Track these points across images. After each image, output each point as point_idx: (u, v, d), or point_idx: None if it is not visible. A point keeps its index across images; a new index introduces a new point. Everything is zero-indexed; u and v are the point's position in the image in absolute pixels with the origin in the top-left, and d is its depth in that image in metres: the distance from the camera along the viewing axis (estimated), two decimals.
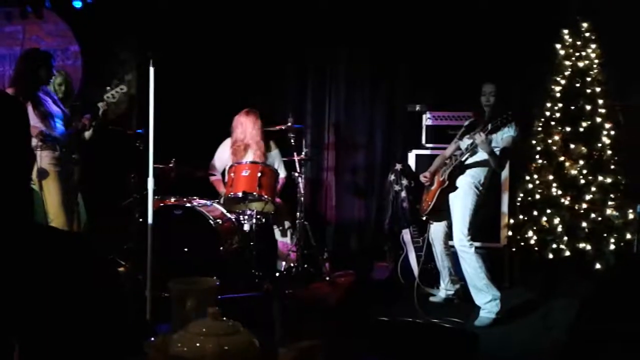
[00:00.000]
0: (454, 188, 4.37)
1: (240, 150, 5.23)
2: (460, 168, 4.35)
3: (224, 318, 1.27)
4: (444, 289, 4.69)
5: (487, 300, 4.20)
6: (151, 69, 3.44)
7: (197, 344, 1.20)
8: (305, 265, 5.08)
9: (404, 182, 5.32)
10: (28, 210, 1.38)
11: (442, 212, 4.47)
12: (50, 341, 1.20)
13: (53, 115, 4.56)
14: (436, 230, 4.61)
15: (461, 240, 4.23)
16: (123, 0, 6.03)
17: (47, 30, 6.31)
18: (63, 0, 6.16)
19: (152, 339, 1.26)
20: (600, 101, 4.95)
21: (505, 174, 5.05)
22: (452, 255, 4.57)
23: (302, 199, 5.19)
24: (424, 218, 4.68)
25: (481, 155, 4.25)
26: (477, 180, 4.31)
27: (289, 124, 5.18)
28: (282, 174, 5.33)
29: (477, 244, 4.39)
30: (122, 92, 4.79)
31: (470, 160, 4.34)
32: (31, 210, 1.35)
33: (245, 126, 5.22)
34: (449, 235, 4.52)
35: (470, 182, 4.32)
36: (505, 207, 5.17)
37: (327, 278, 5.11)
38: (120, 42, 6.23)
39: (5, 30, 6.36)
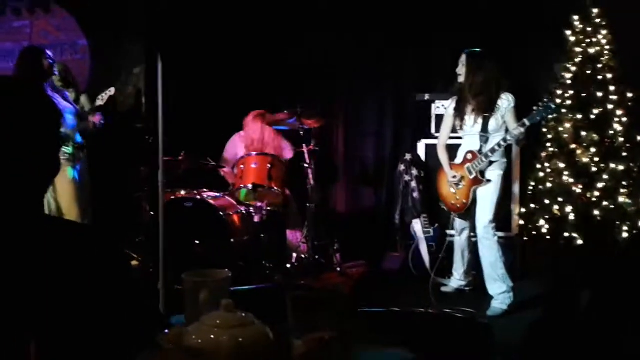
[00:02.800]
0: (486, 182, 4.29)
1: (249, 141, 5.28)
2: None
3: (237, 310, 1.27)
4: (457, 279, 4.68)
5: (502, 291, 4.20)
6: (159, 63, 3.44)
7: (211, 336, 1.20)
8: (316, 257, 5.08)
9: (414, 172, 5.31)
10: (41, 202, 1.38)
11: (472, 207, 4.39)
12: (65, 334, 1.20)
13: (62, 111, 4.55)
14: (462, 223, 4.55)
15: (486, 228, 4.21)
16: None
17: (55, 25, 6.32)
18: None
19: (166, 331, 1.25)
20: (612, 88, 4.90)
21: (516, 162, 5.03)
22: (473, 245, 4.54)
23: (312, 190, 5.18)
24: (455, 216, 4.53)
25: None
26: (503, 171, 4.34)
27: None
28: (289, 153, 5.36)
29: (500, 233, 4.47)
30: (110, 94, 5.03)
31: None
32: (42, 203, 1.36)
33: (255, 131, 5.26)
34: (472, 227, 4.49)
35: (499, 175, 4.31)
36: (516, 196, 5.14)
37: (338, 269, 5.12)
38: (129, 35, 6.22)
39: (13, 25, 6.38)
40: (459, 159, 4.43)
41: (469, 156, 4.32)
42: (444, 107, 5.46)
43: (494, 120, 4.23)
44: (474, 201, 4.32)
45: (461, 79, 4.31)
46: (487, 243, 4.22)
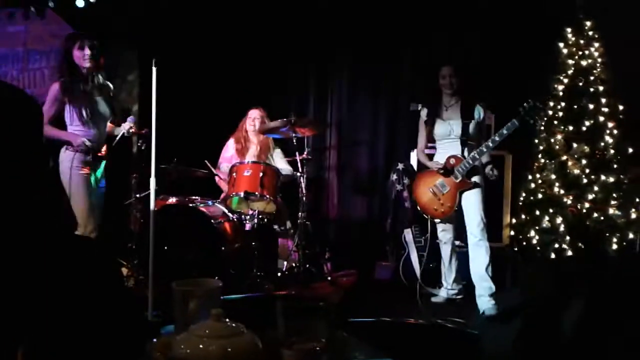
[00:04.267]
0: (471, 186, 4.36)
1: (243, 148, 5.29)
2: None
3: (227, 319, 1.27)
4: (447, 289, 4.68)
5: (492, 291, 4.28)
6: (154, 69, 3.44)
7: (200, 346, 1.19)
8: (307, 265, 5.07)
9: (406, 181, 5.32)
10: (33, 214, 1.37)
11: (456, 212, 4.45)
12: (55, 342, 1.20)
13: (98, 118, 4.16)
14: (445, 230, 4.58)
15: (482, 231, 4.29)
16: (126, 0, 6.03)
17: (50, 31, 6.31)
18: (66, 0, 6.16)
19: (155, 340, 1.25)
20: (603, 100, 4.94)
21: (507, 172, 5.08)
22: (459, 254, 4.63)
23: (304, 198, 5.18)
24: (437, 221, 4.56)
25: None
26: (482, 173, 4.41)
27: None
28: (288, 170, 5.36)
29: (490, 244, 4.46)
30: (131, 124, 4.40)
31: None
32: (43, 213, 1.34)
33: (253, 118, 5.34)
34: (457, 235, 4.59)
35: (481, 177, 4.40)
36: (507, 207, 5.17)
37: (329, 278, 5.10)
38: (123, 42, 6.21)
39: (8, 31, 6.36)
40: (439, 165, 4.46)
41: (452, 160, 4.37)
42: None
43: (472, 125, 4.37)
44: (460, 206, 4.40)
45: (445, 86, 4.44)
46: (482, 244, 4.29)
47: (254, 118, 5.38)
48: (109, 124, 4.33)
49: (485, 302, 4.28)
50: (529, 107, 4.16)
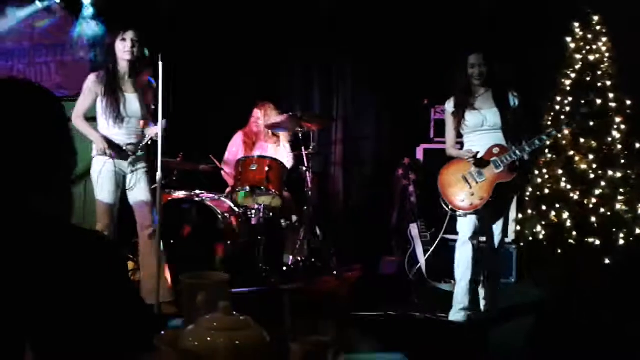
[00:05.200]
0: (511, 182, 3.87)
1: (250, 142, 5.30)
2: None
3: (235, 313, 1.27)
4: (463, 310, 3.90)
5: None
6: (160, 64, 3.43)
7: (208, 339, 1.20)
8: (313, 260, 5.08)
9: (412, 176, 5.31)
10: (39, 205, 1.38)
11: (489, 204, 3.86)
12: (61, 338, 1.20)
13: (128, 115, 3.91)
14: (472, 226, 3.91)
15: (502, 240, 4.02)
16: None
17: (56, 25, 6.31)
18: None
19: (163, 333, 1.25)
20: (611, 95, 4.91)
21: None
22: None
23: (310, 193, 5.18)
24: (464, 215, 3.90)
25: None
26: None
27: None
28: (290, 163, 5.37)
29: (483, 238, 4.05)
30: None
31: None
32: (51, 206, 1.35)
33: (257, 117, 5.33)
34: (479, 231, 3.95)
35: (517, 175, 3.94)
36: (513, 202, 5.15)
37: (335, 272, 5.11)
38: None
39: (14, 25, 6.36)
40: (480, 154, 3.90)
41: (496, 150, 3.87)
42: (443, 111, 5.47)
43: (508, 114, 3.92)
44: (491, 200, 3.84)
45: (474, 75, 3.95)
46: (501, 251, 4.02)
47: (257, 118, 5.38)
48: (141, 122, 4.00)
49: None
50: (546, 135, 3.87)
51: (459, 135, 4.09)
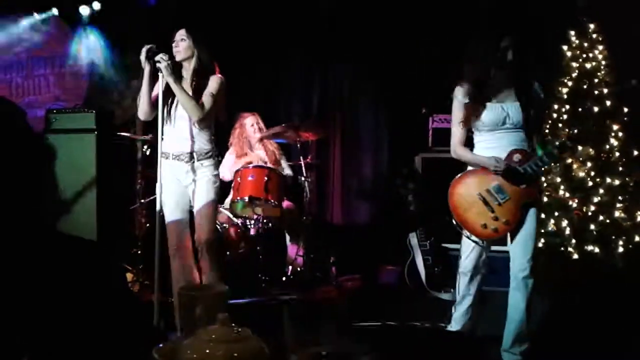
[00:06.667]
0: (536, 198, 3.23)
1: (243, 154, 5.29)
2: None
3: (233, 324, 1.26)
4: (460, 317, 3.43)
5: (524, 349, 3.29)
6: (160, 75, 3.42)
7: (207, 351, 1.19)
8: (312, 270, 5.07)
9: (411, 185, 5.31)
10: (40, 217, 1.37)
11: (516, 230, 3.18)
12: (58, 348, 1.19)
13: (176, 116, 3.57)
14: (472, 255, 3.28)
15: (532, 267, 3.14)
16: (129, 5, 6.05)
17: (54, 37, 6.34)
18: (70, 6, 6.19)
19: (161, 345, 1.25)
20: (608, 103, 4.93)
21: None
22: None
23: (309, 202, 5.18)
24: (468, 235, 3.20)
25: None
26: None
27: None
28: (289, 172, 5.35)
29: (496, 247, 3.57)
30: None
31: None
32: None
33: (244, 128, 5.28)
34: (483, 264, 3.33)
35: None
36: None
37: (334, 282, 5.10)
38: (127, 47, 6.24)
39: (12, 38, 6.39)
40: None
41: (517, 156, 3.12)
42: (441, 120, 5.47)
43: (534, 112, 3.21)
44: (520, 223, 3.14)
45: (502, 61, 3.16)
46: (529, 283, 3.13)
47: (252, 124, 5.34)
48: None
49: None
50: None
51: (470, 132, 3.30)
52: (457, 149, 3.27)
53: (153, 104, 3.52)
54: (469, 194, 3.17)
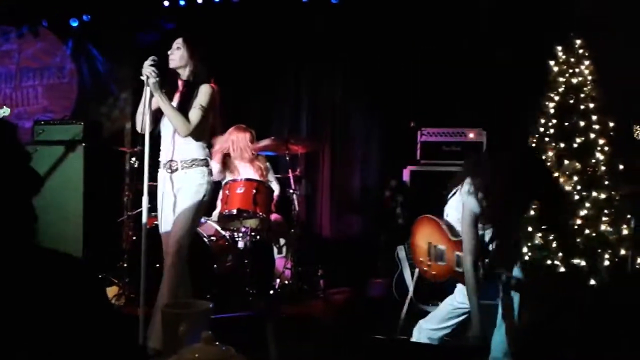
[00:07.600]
0: None
1: (231, 165, 5.28)
2: None
3: (217, 342, 1.26)
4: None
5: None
6: (146, 88, 3.42)
7: None
8: (300, 283, 5.06)
9: (399, 198, 5.32)
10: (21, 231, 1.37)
11: None
12: None
13: (166, 127, 3.56)
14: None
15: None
16: (119, 18, 6.05)
17: (43, 49, 6.33)
18: (60, 18, 6.18)
19: None
20: (594, 117, 4.98)
21: None
22: None
23: (297, 215, 5.18)
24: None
25: None
26: None
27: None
28: (276, 190, 5.35)
29: None
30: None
31: None
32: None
33: (236, 142, 5.26)
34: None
35: None
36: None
37: (322, 295, 5.09)
38: (116, 60, 6.24)
39: (1, 49, 6.37)
40: None
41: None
42: (429, 134, 5.51)
43: None
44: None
45: None
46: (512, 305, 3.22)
47: (248, 141, 5.30)
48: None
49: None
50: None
51: None
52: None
53: (154, 117, 3.51)
54: (423, 236, 3.50)
